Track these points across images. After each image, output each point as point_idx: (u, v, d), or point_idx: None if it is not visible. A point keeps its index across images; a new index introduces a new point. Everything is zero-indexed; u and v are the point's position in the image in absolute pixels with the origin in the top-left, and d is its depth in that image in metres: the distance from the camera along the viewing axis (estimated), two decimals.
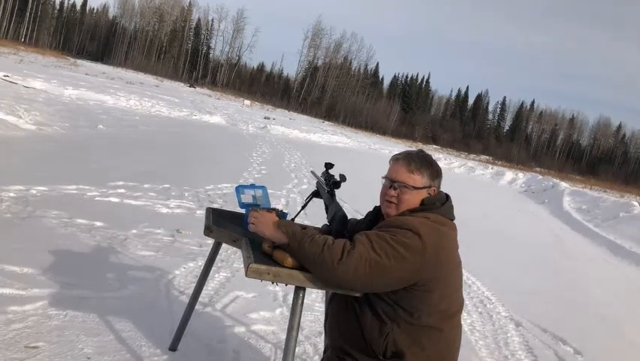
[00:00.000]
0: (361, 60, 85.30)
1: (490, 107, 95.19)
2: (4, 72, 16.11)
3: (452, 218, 1.96)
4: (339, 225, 2.03)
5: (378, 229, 1.83)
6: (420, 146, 52.07)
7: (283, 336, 3.06)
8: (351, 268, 1.69)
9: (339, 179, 2.30)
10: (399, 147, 37.55)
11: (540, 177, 25.90)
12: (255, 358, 2.93)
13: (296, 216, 2.35)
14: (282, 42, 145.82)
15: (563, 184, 20.46)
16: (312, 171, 2.94)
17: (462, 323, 4.34)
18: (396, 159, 1.98)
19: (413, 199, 1.91)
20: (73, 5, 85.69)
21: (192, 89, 52.60)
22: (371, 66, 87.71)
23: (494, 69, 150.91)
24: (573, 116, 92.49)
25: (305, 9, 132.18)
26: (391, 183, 1.94)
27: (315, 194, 2.42)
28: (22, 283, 3.09)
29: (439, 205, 1.92)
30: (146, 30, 79.44)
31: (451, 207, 1.98)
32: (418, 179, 1.91)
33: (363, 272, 1.69)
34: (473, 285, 5.35)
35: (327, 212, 2.24)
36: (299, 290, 1.88)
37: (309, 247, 1.74)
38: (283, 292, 3.86)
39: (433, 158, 2.02)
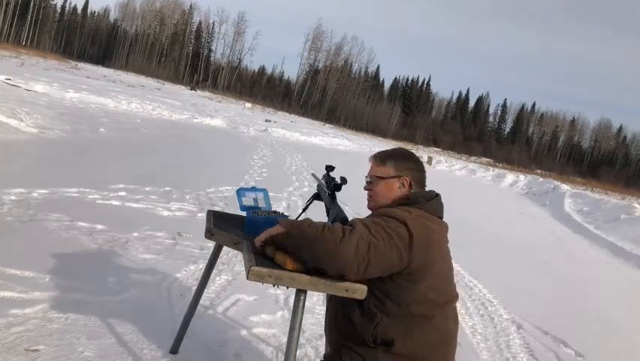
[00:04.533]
0: (362, 63, 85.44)
1: (491, 110, 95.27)
2: (6, 75, 16.15)
3: (439, 215, 1.99)
4: None
5: (370, 217, 1.90)
6: (420, 148, 52.01)
7: (284, 339, 3.05)
8: (352, 247, 1.71)
9: (340, 182, 2.31)
10: None
11: (541, 179, 25.90)
12: None
13: (297, 218, 2.35)
14: (282, 45, 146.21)
15: (564, 186, 20.45)
16: (312, 174, 2.94)
17: (463, 325, 4.33)
18: (370, 159, 2.13)
19: (384, 189, 2.02)
20: (75, 9, 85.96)
21: (193, 92, 52.66)
22: (372, 69, 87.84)
23: (495, 71, 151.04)
24: (574, 118, 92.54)
25: (305, 12, 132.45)
26: (366, 179, 2.09)
27: (316, 197, 2.43)
28: (23, 286, 3.09)
29: (424, 201, 1.96)
30: (147, 33, 79.54)
31: (439, 204, 2.02)
32: (384, 169, 2.03)
33: (363, 252, 1.73)
34: (475, 287, 5.34)
35: (328, 215, 2.24)
36: (300, 293, 1.88)
37: (309, 230, 1.76)
38: (284, 295, 3.85)
39: (411, 152, 2.11)
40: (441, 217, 2.00)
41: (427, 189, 2.07)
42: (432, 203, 1.98)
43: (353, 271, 1.76)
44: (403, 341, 1.83)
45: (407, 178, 2.01)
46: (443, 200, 2.05)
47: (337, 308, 2.01)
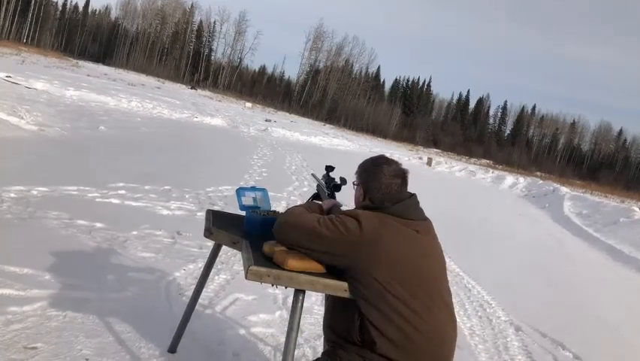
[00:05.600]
0: (363, 63, 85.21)
1: (492, 112, 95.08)
2: (7, 73, 16.15)
3: (409, 217, 1.96)
4: None
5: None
6: (421, 149, 52.03)
7: (283, 339, 3.05)
8: (293, 222, 1.93)
9: (339, 182, 2.31)
10: (400, 150, 37.53)
11: (541, 181, 25.88)
12: (254, 360, 2.92)
13: None
14: (283, 45, 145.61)
15: (564, 189, 20.43)
16: (312, 174, 2.94)
17: (462, 326, 4.33)
18: None
19: (355, 196, 2.13)
20: (76, 7, 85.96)
21: (194, 91, 52.63)
22: (372, 69, 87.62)
23: (495, 73, 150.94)
24: (574, 120, 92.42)
25: (306, 12, 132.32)
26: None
27: (316, 197, 2.43)
28: (21, 283, 3.10)
29: (389, 205, 1.96)
30: (147, 32, 79.47)
31: (409, 205, 1.99)
32: (356, 178, 2.16)
33: (303, 229, 1.90)
34: (473, 289, 5.35)
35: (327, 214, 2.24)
36: (298, 293, 1.88)
37: (300, 206, 2.08)
38: (283, 294, 3.85)
39: (377, 162, 2.11)
40: (410, 219, 1.95)
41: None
42: (399, 205, 1.95)
43: (295, 243, 1.92)
44: (384, 343, 1.83)
45: (361, 187, 2.09)
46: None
47: (332, 308, 2.04)
